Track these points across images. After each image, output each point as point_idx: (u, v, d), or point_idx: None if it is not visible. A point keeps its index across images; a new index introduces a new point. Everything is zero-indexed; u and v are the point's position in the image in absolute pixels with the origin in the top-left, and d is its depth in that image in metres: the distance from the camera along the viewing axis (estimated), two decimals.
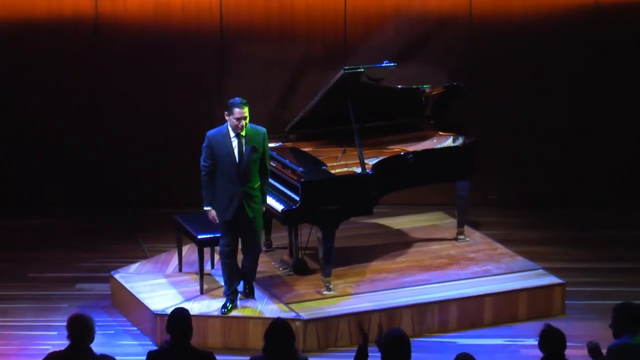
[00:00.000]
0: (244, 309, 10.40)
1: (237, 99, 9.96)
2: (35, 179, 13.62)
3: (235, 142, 9.88)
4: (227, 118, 9.96)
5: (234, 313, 10.36)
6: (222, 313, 10.21)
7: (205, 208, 10.04)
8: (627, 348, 8.11)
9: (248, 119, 9.91)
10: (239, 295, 10.35)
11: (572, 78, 13.47)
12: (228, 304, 10.24)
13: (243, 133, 9.88)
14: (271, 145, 11.32)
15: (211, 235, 10.69)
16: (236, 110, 9.82)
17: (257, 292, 10.61)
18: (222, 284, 10.79)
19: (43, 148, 13.59)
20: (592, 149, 13.62)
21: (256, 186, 10.02)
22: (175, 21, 13.42)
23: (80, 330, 8.10)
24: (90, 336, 8.11)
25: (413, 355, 8.70)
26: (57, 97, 13.52)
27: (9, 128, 13.55)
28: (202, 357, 8.20)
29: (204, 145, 10.01)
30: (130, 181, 13.64)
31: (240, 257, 10.32)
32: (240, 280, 10.35)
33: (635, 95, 13.49)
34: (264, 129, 10.12)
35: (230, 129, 9.91)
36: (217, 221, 10.03)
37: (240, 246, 10.28)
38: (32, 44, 13.40)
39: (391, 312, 10.45)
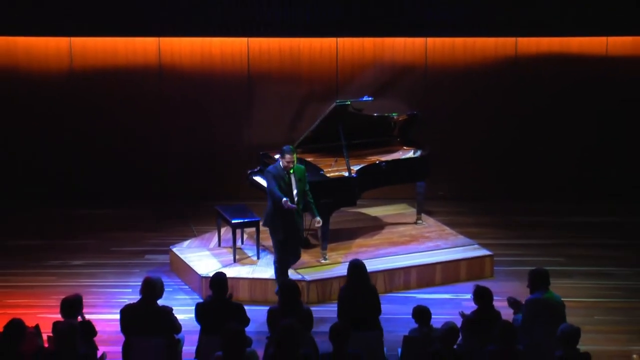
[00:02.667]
0: (266, 272, 10.43)
1: (288, 147, 9.83)
2: (117, 182, 13.59)
3: (288, 176, 9.75)
4: (279, 159, 9.81)
5: (257, 275, 10.37)
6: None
7: (283, 200, 9.57)
8: (539, 301, 8.14)
9: (295, 161, 9.76)
10: None
11: (497, 106, 13.46)
12: None
13: (292, 171, 9.75)
14: None
15: (241, 220, 10.72)
16: (287, 156, 9.68)
17: (272, 262, 10.57)
18: (250, 256, 10.81)
19: (124, 159, 13.58)
20: (517, 156, 13.62)
21: (301, 207, 9.86)
22: (216, 66, 13.38)
23: (149, 289, 8.12)
24: (154, 292, 8.11)
25: (385, 306, 8.74)
26: (131, 121, 13.49)
27: (102, 144, 13.53)
28: (234, 307, 8.22)
29: (269, 177, 9.76)
30: (184, 181, 13.63)
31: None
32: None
33: (546, 117, 13.49)
34: (303, 166, 9.96)
35: (282, 168, 9.75)
36: (289, 207, 9.61)
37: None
38: (115, 80, 13.36)
39: (370, 276, 10.42)
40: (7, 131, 13.51)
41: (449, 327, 7.52)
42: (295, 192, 9.73)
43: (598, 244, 12.00)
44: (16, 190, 13.57)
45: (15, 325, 7.48)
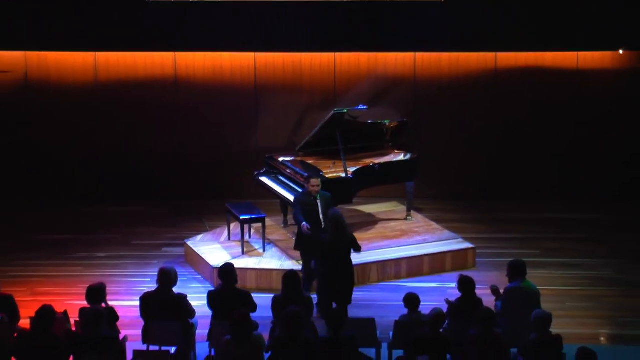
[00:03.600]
0: (271, 262, 10.41)
1: (313, 174, 9.81)
2: (136, 182, 13.59)
3: (314, 201, 9.49)
4: (306, 186, 9.64)
5: (263, 266, 10.37)
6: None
7: (303, 223, 9.30)
8: (517, 289, 8.15)
9: (320, 187, 9.50)
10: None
11: (479, 114, 13.47)
12: None
13: (317, 197, 9.49)
14: (287, 158, 11.37)
15: (249, 216, 10.72)
16: (312, 181, 9.48)
17: (278, 253, 10.59)
18: (256, 248, 10.80)
19: (143, 162, 13.58)
20: (497, 160, 13.62)
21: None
22: (226, 78, 13.40)
23: (165, 278, 8.13)
24: (169, 281, 8.12)
25: (377, 294, 8.76)
26: (150, 128, 13.50)
27: (124, 148, 13.54)
28: (242, 295, 8.22)
29: (295, 204, 9.62)
30: (198, 182, 13.62)
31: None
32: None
33: (524, 124, 13.50)
34: (329, 194, 9.66)
35: (309, 194, 9.52)
36: (306, 232, 9.29)
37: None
38: (135, 91, 13.37)
39: (364, 266, 10.46)
40: (39, 137, 13.51)
41: (436, 313, 7.53)
42: (322, 215, 9.46)
43: (570, 238, 12.00)
44: (46, 190, 13.58)
45: (46, 311, 7.49)
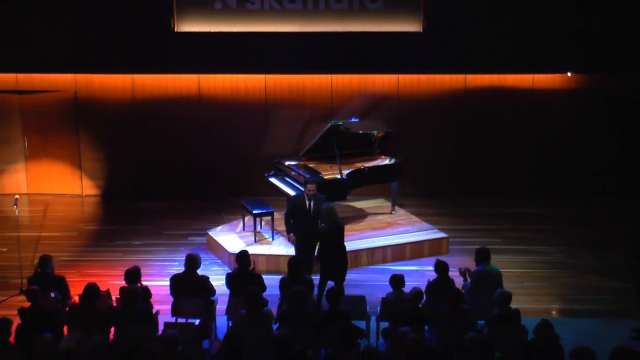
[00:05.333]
0: (278, 249, 10.39)
1: (310, 178, 9.77)
2: (167, 182, 13.57)
3: (308, 202, 9.34)
4: (303, 188, 9.50)
5: (272, 252, 10.34)
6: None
7: (289, 235, 9.34)
8: (482, 272, 8.18)
9: (315, 190, 9.37)
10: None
11: (452, 126, 13.44)
12: None
13: (312, 198, 9.33)
14: (292, 162, 11.34)
15: (260, 210, 10.70)
16: (308, 185, 9.39)
17: (284, 242, 10.55)
18: (266, 237, 10.78)
19: (172, 165, 13.55)
20: (467, 164, 13.59)
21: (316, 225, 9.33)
22: (241, 96, 13.37)
23: (190, 262, 8.14)
24: (194, 265, 8.14)
25: (366, 275, 8.75)
26: (178, 137, 13.46)
27: (156, 155, 13.48)
28: (255, 276, 8.23)
29: (290, 205, 9.45)
30: (217, 182, 13.58)
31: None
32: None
33: (489, 134, 13.47)
34: (323, 195, 9.52)
35: (305, 195, 9.42)
36: (294, 241, 9.31)
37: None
38: (166, 107, 13.33)
39: (356, 252, 10.45)
40: (86, 146, 13.49)
41: (416, 291, 7.55)
42: (312, 212, 9.32)
43: (528, 229, 11.98)
44: (91, 188, 13.56)
45: (92, 288, 7.52)
